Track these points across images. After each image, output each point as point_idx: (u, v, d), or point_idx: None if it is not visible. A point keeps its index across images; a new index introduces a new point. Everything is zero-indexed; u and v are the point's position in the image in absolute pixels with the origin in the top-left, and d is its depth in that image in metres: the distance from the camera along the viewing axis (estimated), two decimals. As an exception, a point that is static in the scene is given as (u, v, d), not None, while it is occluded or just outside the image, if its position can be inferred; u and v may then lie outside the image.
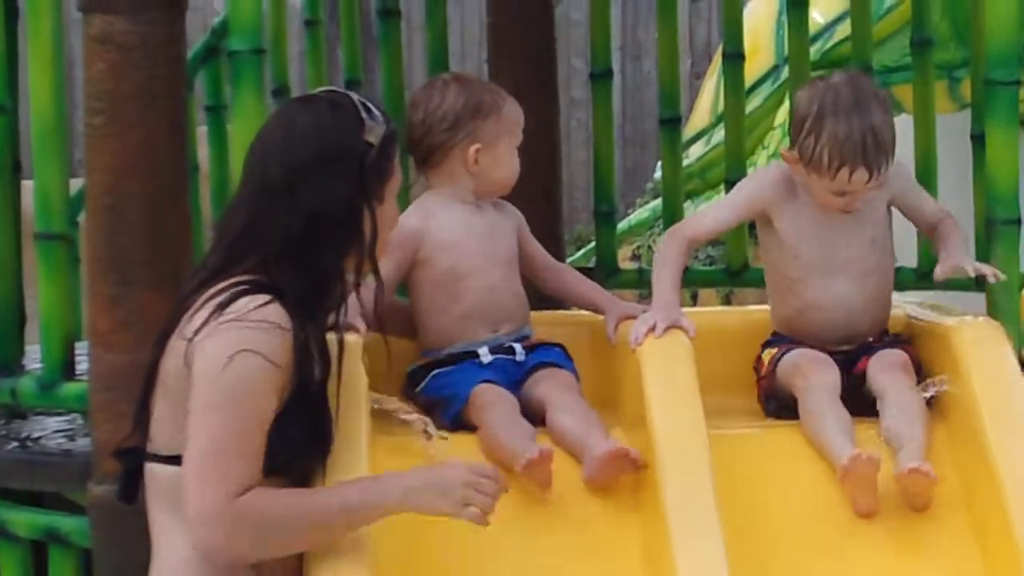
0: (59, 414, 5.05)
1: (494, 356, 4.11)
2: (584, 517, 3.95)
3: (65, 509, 4.67)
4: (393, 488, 3.49)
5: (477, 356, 4.12)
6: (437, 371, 4.13)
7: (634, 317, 4.18)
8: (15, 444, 4.91)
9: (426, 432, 3.96)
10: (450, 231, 4.18)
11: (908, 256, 6.63)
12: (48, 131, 4.66)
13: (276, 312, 3.49)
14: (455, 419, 4.05)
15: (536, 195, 4.39)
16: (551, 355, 4.17)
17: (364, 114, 3.67)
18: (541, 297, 4.50)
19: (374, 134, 3.65)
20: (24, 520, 4.73)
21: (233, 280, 3.53)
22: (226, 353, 3.43)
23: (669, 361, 4.05)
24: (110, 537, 4.33)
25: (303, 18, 6.95)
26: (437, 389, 4.10)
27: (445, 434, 4.00)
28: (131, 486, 3.69)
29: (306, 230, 3.58)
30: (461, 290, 4.17)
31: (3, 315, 4.97)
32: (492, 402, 4.00)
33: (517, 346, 4.11)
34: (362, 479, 3.54)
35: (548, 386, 4.03)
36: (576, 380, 4.12)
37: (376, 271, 3.75)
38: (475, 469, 3.51)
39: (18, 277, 5.01)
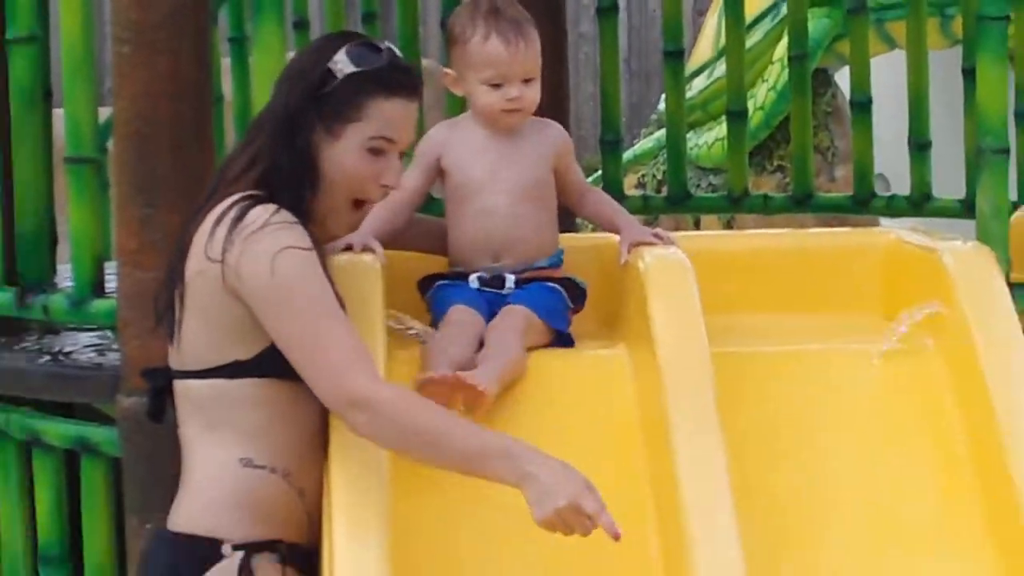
0: (89, 330, 5.10)
1: (482, 286, 4.07)
2: (589, 434, 3.95)
3: (96, 420, 4.69)
4: (518, 464, 3.38)
5: (467, 278, 4.08)
6: (441, 283, 4.11)
7: (646, 241, 4.14)
8: (48, 358, 4.96)
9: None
10: (463, 147, 4.14)
11: (902, 185, 6.68)
12: (77, 60, 4.67)
13: (284, 213, 3.54)
14: None
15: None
16: (528, 294, 4.09)
17: (346, 50, 3.67)
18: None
19: (339, 68, 3.65)
20: (57, 430, 4.76)
21: (236, 197, 3.58)
22: (267, 259, 3.47)
23: (672, 281, 4.03)
24: (139, 448, 4.37)
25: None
26: (437, 301, 4.10)
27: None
28: (160, 404, 3.74)
29: (273, 140, 3.67)
30: (462, 211, 4.12)
31: (35, 236, 4.98)
32: (451, 320, 3.99)
33: (510, 277, 4.07)
34: (506, 439, 3.47)
35: (495, 323, 4.01)
36: (526, 321, 4.03)
37: (341, 210, 3.75)
38: (589, 500, 3.33)
39: (50, 200, 5.01)
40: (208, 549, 3.56)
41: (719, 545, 3.56)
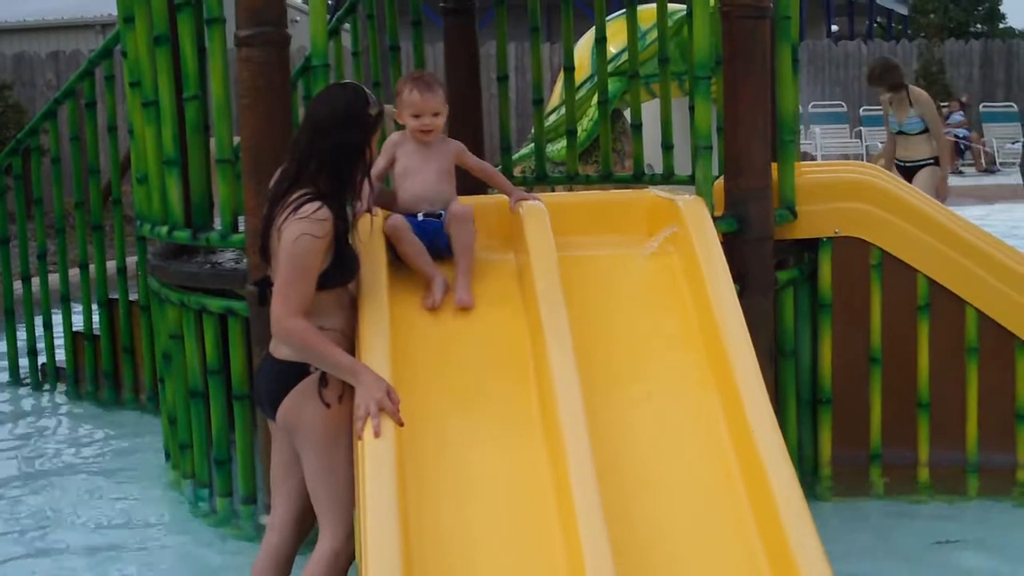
0: (230, 250, 5.01)
1: (426, 218, 3.93)
2: (498, 298, 3.89)
3: (236, 297, 4.64)
4: (355, 372, 3.38)
5: (416, 216, 3.95)
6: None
7: (525, 197, 4.10)
8: (209, 265, 4.93)
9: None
10: (405, 147, 4.02)
11: (659, 168, 6.65)
12: (221, 109, 4.61)
13: (324, 211, 3.42)
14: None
15: (473, 142, 4.29)
16: None
17: (371, 98, 3.59)
18: (479, 187, 4.41)
19: (374, 109, 3.57)
20: (215, 303, 4.73)
21: (301, 192, 3.46)
22: (295, 236, 3.39)
23: (537, 219, 3.98)
24: (257, 313, 4.30)
25: (351, 49, 6.88)
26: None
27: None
28: (264, 297, 3.63)
29: (336, 155, 3.51)
30: (408, 182, 4.00)
31: (201, 201, 4.91)
32: (396, 230, 3.86)
33: (444, 212, 3.95)
34: (347, 356, 3.43)
35: (457, 217, 3.92)
36: (472, 214, 3.95)
37: (370, 180, 3.70)
38: (387, 402, 3.31)
39: (208, 182, 4.93)
40: (300, 369, 3.47)
41: (563, 352, 3.52)
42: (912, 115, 8.80)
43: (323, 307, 3.48)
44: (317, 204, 3.42)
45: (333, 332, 3.49)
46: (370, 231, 3.77)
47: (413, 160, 4.01)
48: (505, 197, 4.18)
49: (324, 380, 3.44)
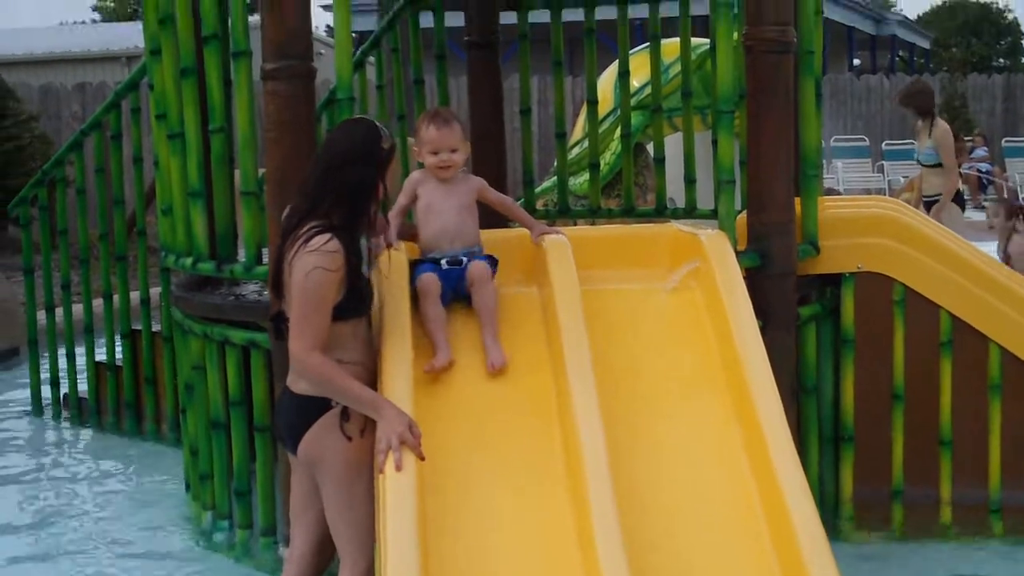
0: (254, 282, 4.98)
1: (449, 267, 3.93)
2: (522, 328, 3.89)
3: (258, 329, 4.63)
4: (376, 406, 3.38)
5: (439, 263, 3.95)
6: (420, 263, 3.96)
7: (547, 231, 4.11)
8: (232, 297, 4.94)
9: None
10: (427, 185, 4.02)
11: (681, 202, 6.64)
12: (246, 141, 4.57)
13: (334, 243, 3.41)
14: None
15: (496, 175, 4.29)
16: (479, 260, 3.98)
17: (383, 133, 3.59)
18: (501, 221, 4.41)
19: (387, 144, 3.57)
20: (238, 335, 4.72)
21: (311, 225, 3.45)
22: (307, 270, 3.38)
23: (560, 252, 3.99)
24: (278, 346, 4.25)
25: (376, 83, 6.91)
26: (419, 270, 3.92)
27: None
28: (280, 331, 3.60)
29: (350, 190, 3.51)
30: (430, 219, 4.01)
31: (226, 233, 4.89)
32: (426, 292, 3.86)
33: (464, 257, 3.95)
34: (367, 390, 3.43)
35: (477, 278, 3.91)
36: (490, 274, 3.94)
37: (385, 214, 3.70)
38: (408, 436, 3.31)
39: (233, 214, 4.90)
40: (322, 403, 3.46)
41: (585, 390, 3.53)
42: (928, 146, 8.58)
43: (340, 340, 3.47)
44: (327, 236, 3.42)
45: (352, 365, 3.48)
46: (393, 266, 3.78)
47: (434, 197, 4.01)
48: (527, 231, 4.18)
49: (346, 414, 3.43)
